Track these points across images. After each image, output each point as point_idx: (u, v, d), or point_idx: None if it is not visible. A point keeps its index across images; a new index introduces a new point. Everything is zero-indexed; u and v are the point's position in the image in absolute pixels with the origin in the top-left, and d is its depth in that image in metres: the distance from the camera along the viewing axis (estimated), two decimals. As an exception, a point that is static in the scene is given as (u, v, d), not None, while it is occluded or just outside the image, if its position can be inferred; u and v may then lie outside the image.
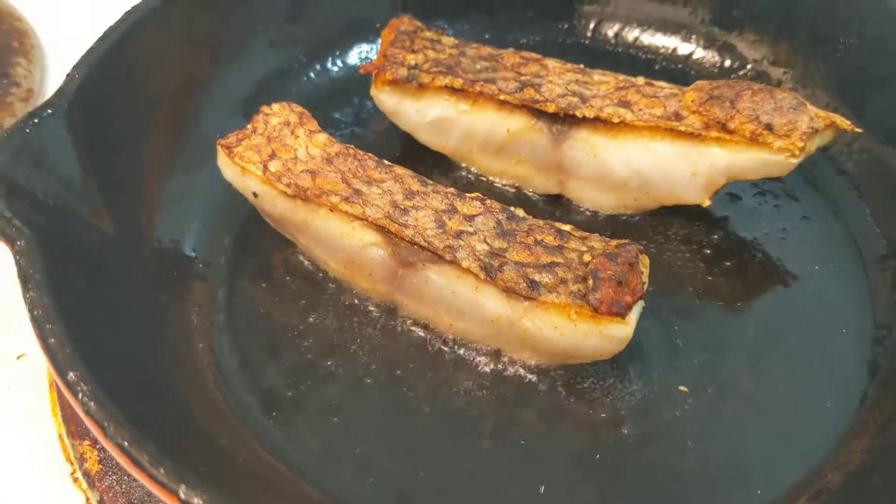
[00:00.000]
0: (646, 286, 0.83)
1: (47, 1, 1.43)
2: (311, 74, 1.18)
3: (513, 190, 1.06)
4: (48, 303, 0.72)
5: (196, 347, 0.88)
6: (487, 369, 0.89)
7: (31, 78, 1.29)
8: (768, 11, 1.15)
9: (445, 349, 0.90)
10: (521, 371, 0.88)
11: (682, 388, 0.87)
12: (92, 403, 0.66)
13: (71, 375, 0.68)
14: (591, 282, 0.82)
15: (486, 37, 1.24)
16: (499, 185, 1.06)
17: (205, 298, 0.94)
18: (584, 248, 0.86)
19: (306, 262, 0.97)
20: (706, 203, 0.98)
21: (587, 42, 1.24)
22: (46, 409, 0.93)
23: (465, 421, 0.85)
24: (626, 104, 0.97)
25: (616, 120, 0.96)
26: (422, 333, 0.91)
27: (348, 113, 1.16)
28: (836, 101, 1.09)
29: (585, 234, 0.89)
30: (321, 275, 0.96)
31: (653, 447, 0.83)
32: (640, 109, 0.96)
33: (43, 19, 1.39)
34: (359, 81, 1.08)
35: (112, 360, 0.76)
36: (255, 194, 0.93)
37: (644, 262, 0.86)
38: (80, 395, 0.67)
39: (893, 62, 1.04)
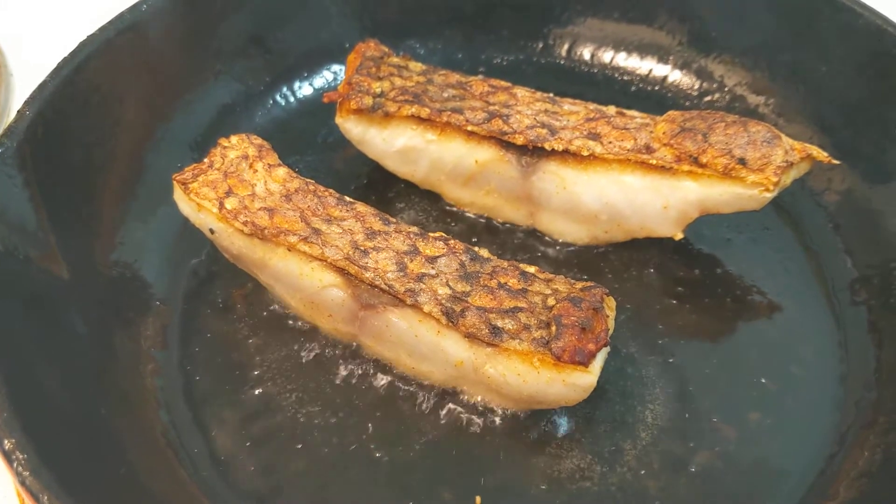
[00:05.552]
0: (611, 331, 0.81)
1: (14, 19, 1.39)
2: (278, 98, 1.15)
3: (483, 220, 1.03)
4: (-12, 363, 0.70)
5: (147, 394, 0.85)
6: (450, 415, 0.86)
7: (-5, 99, 1.26)
8: (745, 35, 1.11)
9: (407, 393, 0.88)
10: (483, 418, 0.86)
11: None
12: (27, 474, 0.64)
13: (7, 444, 0.66)
14: (554, 328, 0.79)
15: (459, 56, 1.21)
16: (469, 215, 1.04)
17: (160, 338, 0.91)
18: (549, 292, 0.83)
19: (266, 300, 0.95)
20: (679, 236, 0.95)
21: (562, 63, 1.20)
22: (2, 454, 0.91)
23: (426, 470, 0.83)
24: (595, 136, 0.94)
25: (585, 153, 0.93)
26: (384, 376, 0.89)
27: (316, 137, 1.13)
28: (814, 130, 1.06)
29: (550, 275, 0.86)
30: (282, 313, 0.94)
31: (617, 499, 0.81)
32: (610, 142, 0.93)
33: (9, 38, 1.35)
34: (327, 105, 1.04)
35: (56, 418, 0.74)
36: (211, 231, 0.90)
37: (610, 305, 0.83)
38: (15, 465, 0.64)
39: (874, 91, 1.01)
